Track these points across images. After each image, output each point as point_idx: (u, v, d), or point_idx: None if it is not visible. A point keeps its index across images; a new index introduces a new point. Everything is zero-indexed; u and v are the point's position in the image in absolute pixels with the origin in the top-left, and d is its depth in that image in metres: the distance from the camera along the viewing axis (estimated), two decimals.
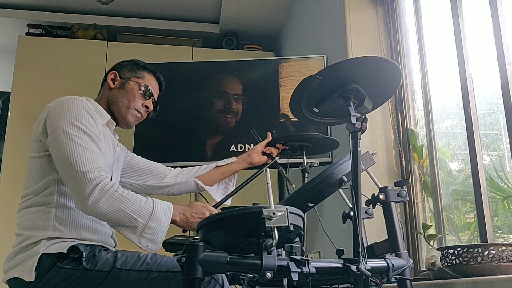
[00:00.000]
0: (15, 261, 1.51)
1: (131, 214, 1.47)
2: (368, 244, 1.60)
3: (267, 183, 1.16)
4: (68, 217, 1.55)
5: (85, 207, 1.47)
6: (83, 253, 1.48)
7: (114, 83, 1.78)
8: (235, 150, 2.79)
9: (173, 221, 1.57)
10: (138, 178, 1.93)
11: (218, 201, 1.81)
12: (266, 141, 2.01)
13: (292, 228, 1.15)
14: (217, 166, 2.01)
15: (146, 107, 1.81)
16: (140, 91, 1.79)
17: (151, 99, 1.82)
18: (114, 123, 1.77)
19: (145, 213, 1.49)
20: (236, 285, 1.60)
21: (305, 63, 2.88)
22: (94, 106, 1.69)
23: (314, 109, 1.42)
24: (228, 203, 1.86)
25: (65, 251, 1.48)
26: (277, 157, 2.00)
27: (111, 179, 1.68)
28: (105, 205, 1.46)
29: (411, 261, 1.42)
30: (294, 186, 1.86)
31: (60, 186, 1.57)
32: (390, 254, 1.45)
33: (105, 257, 1.50)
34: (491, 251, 1.51)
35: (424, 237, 1.89)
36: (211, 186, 1.99)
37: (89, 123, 1.58)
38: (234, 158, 2.03)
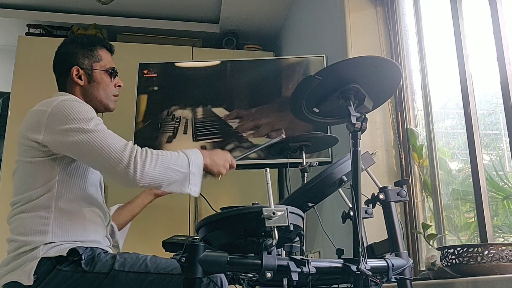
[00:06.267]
0: (12, 265, 1.50)
1: (175, 168, 1.53)
2: (368, 244, 1.61)
3: (267, 183, 1.16)
4: (66, 221, 1.54)
5: (135, 182, 1.49)
6: (83, 255, 1.47)
7: (81, 79, 1.75)
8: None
9: (204, 165, 1.63)
10: None
11: (238, 156, 1.89)
12: None
13: (292, 228, 1.15)
14: (119, 207, 1.99)
15: (119, 86, 1.84)
16: (108, 77, 1.79)
17: (117, 76, 1.84)
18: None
19: (185, 163, 1.56)
20: (236, 285, 1.60)
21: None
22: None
23: (314, 109, 1.42)
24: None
25: (65, 254, 1.47)
26: None
27: None
28: (151, 170, 1.49)
29: (411, 261, 1.42)
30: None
31: (60, 190, 1.55)
32: (390, 254, 1.45)
33: (104, 259, 1.50)
34: (491, 251, 1.51)
35: (424, 237, 1.90)
36: (120, 230, 1.95)
37: (91, 112, 1.60)
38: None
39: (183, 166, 1.55)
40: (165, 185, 1.54)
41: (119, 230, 1.92)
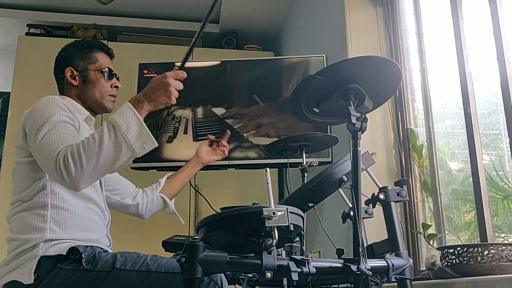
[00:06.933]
0: (12, 265, 1.50)
1: (105, 148, 1.42)
2: (368, 244, 1.61)
3: (267, 183, 1.16)
4: (64, 218, 1.55)
5: (74, 187, 1.45)
6: (83, 254, 1.47)
7: (75, 80, 1.76)
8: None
9: (145, 112, 1.51)
10: (115, 193, 1.92)
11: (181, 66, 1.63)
12: (207, 141, 2.16)
13: (292, 228, 1.15)
14: (167, 177, 2.05)
15: (116, 86, 1.83)
16: (104, 77, 1.79)
17: (115, 77, 1.84)
18: (93, 119, 1.78)
19: (112, 134, 1.43)
20: (236, 285, 1.60)
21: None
22: (70, 103, 1.69)
23: (315, 109, 1.42)
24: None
25: (65, 253, 1.48)
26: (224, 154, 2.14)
27: None
28: (79, 170, 1.40)
29: (411, 261, 1.42)
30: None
31: (53, 187, 1.56)
32: (390, 254, 1.45)
33: (105, 258, 1.50)
34: (491, 251, 1.51)
35: (424, 237, 1.89)
36: (171, 200, 2.03)
37: (56, 113, 1.56)
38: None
39: (113, 140, 1.43)
40: (113, 167, 1.46)
41: (170, 200, 2.01)
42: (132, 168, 2.76)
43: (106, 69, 1.80)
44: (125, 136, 1.44)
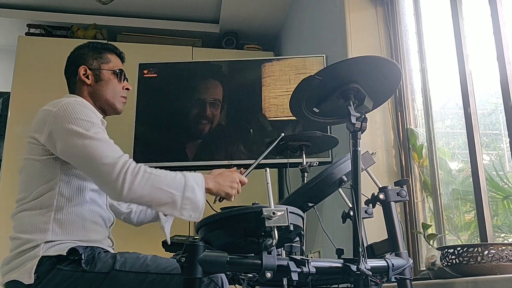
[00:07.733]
0: (13, 264, 1.51)
1: (166, 189, 1.47)
2: (368, 243, 1.61)
3: (267, 183, 1.16)
4: (67, 220, 1.55)
5: (121, 196, 1.46)
6: (82, 255, 1.47)
7: (88, 78, 1.77)
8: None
9: (207, 190, 1.58)
10: None
11: (245, 171, 1.79)
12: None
13: (292, 228, 1.15)
14: None
15: (127, 89, 1.84)
16: (116, 78, 1.80)
17: (126, 80, 1.85)
18: (105, 122, 1.78)
19: (180, 186, 1.49)
20: (236, 285, 1.60)
21: (287, 62, 2.88)
22: (89, 106, 1.69)
23: (314, 109, 1.42)
24: None
25: (65, 254, 1.48)
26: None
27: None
28: (139, 187, 1.46)
29: (411, 261, 1.42)
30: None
31: (61, 189, 1.56)
32: (390, 254, 1.45)
33: (104, 258, 1.50)
34: (491, 251, 1.51)
35: (424, 237, 1.90)
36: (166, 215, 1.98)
37: (95, 118, 1.59)
38: None
39: (176, 189, 1.49)
40: (155, 205, 1.51)
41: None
42: None
43: (119, 70, 1.82)
44: (182, 198, 1.49)
